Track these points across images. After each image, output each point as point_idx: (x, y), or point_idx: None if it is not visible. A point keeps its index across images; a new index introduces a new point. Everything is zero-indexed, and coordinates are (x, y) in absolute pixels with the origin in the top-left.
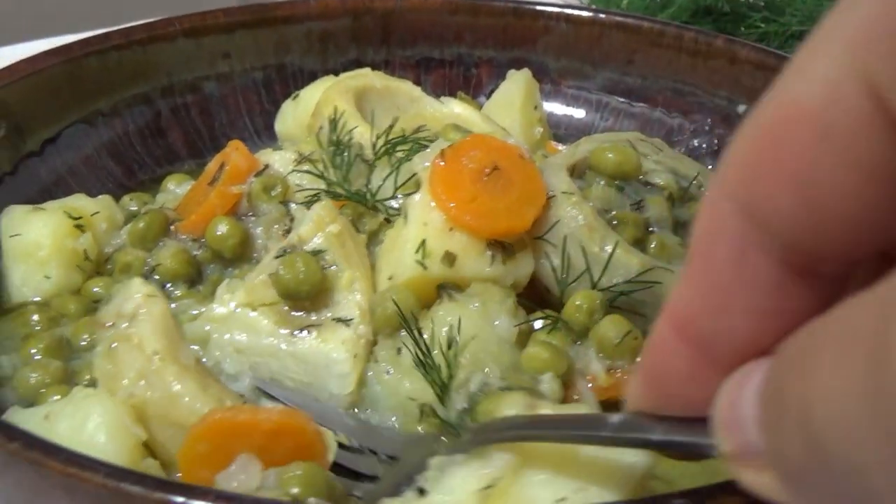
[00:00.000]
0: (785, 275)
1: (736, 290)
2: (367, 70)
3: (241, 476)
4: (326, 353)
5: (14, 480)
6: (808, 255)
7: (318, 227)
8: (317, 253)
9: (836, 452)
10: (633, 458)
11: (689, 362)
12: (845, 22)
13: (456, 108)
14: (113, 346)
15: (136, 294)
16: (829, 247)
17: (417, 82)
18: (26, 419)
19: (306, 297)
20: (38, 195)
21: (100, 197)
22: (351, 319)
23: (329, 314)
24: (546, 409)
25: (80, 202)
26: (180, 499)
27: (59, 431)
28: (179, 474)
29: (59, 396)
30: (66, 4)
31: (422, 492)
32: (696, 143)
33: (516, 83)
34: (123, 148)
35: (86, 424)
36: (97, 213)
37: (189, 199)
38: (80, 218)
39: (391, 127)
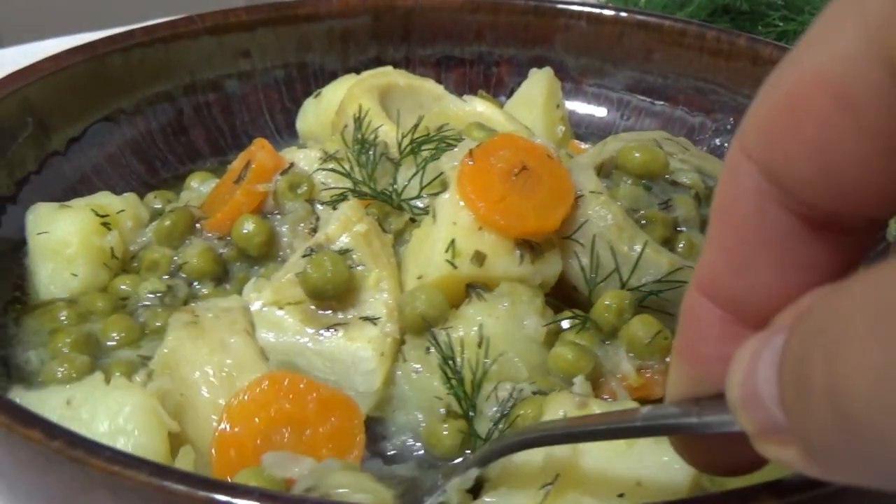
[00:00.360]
0: (804, 230)
1: (757, 245)
2: (389, 68)
3: (286, 460)
4: (353, 352)
5: (56, 478)
6: (826, 212)
7: (345, 227)
8: (344, 252)
9: (867, 428)
10: None
11: (720, 323)
12: (864, 2)
13: (479, 107)
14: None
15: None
16: (847, 207)
17: (438, 81)
18: (42, 402)
19: (333, 296)
20: (63, 194)
21: (125, 195)
22: (378, 318)
23: (356, 313)
24: (596, 407)
25: (105, 200)
26: (224, 497)
27: (83, 419)
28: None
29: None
30: (87, 2)
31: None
32: (717, 141)
33: (538, 82)
34: (146, 146)
35: (118, 414)
36: (123, 210)
37: (214, 197)
38: (106, 216)
39: (416, 126)
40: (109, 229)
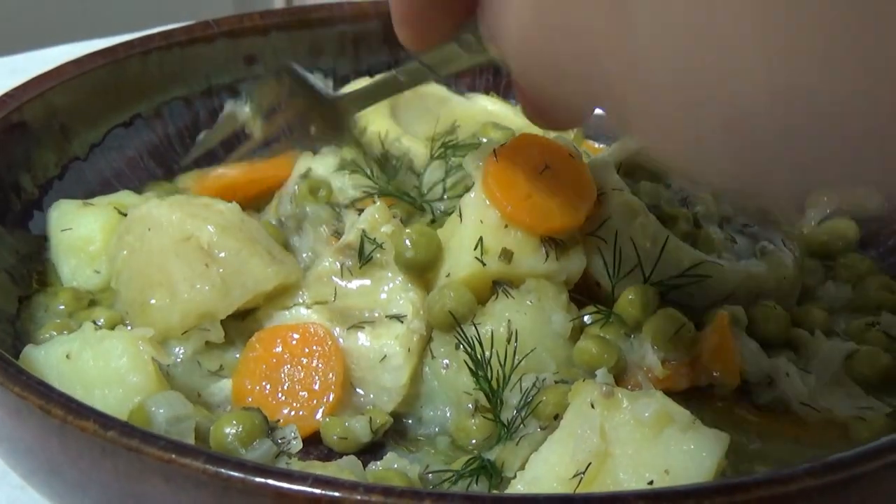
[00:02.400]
0: None
1: None
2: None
3: None
4: (379, 348)
5: (111, 467)
6: None
7: (372, 229)
8: (370, 258)
9: None
10: (714, 440)
11: None
12: None
13: (488, 105)
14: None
15: None
16: None
17: (448, 84)
18: (45, 358)
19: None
20: (86, 198)
21: (146, 193)
22: (404, 316)
23: (382, 312)
24: (623, 395)
25: (128, 199)
26: (279, 483)
27: (84, 370)
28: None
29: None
30: (95, 9)
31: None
32: None
33: None
34: (164, 150)
35: (110, 360)
36: None
37: None
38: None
39: (447, 132)
40: None
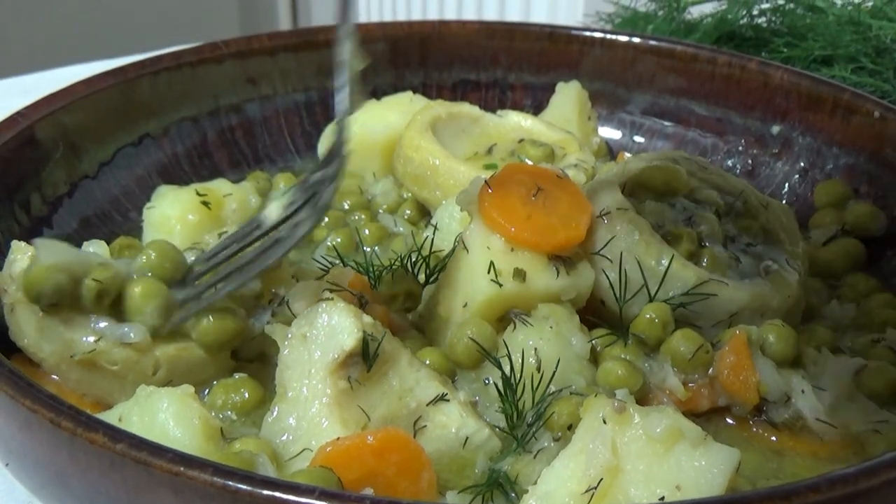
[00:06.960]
0: None
1: None
2: (431, 102)
3: None
4: (456, 437)
5: (120, 479)
6: None
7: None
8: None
9: None
10: (725, 456)
11: None
12: None
13: (521, 122)
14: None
15: None
16: None
17: None
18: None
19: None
20: (95, 216)
21: (242, 182)
22: (445, 393)
23: (419, 402)
24: (634, 411)
25: (216, 184)
26: (287, 496)
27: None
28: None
29: None
30: (103, 31)
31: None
32: (730, 163)
33: (568, 95)
34: (172, 168)
35: (155, 418)
36: (229, 194)
37: None
38: (205, 194)
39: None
40: (209, 208)
